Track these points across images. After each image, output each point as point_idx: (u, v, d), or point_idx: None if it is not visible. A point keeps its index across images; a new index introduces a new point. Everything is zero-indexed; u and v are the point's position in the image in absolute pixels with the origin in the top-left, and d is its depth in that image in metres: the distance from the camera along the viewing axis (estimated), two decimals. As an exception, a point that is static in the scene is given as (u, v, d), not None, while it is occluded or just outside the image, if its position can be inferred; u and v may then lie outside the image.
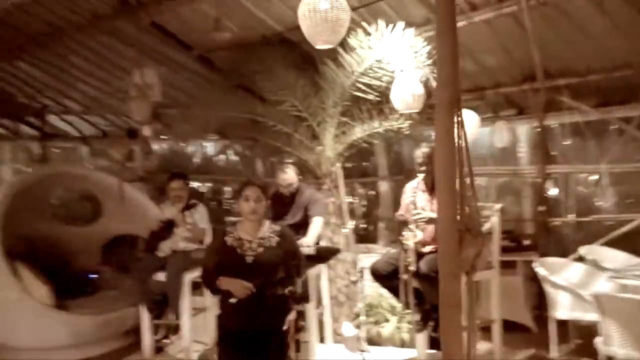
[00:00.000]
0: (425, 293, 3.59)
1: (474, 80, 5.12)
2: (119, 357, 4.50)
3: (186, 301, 4.19)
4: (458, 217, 1.86)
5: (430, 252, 3.61)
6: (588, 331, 3.89)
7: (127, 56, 5.11)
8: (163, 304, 4.43)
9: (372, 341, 4.42)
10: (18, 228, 5.46)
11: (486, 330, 3.84)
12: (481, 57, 4.91)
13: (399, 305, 4.25)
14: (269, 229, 2.91)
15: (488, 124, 5.16)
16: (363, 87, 4.32)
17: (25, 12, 4.72)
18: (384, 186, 6.24)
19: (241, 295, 2.75)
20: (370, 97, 4.36)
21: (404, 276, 3.55)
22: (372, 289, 4.70)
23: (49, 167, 6.54)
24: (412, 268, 3.54)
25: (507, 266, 4.27)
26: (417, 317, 3.77)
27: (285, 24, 4.79)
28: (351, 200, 5.73)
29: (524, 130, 5.46)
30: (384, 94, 4.28)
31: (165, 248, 4.47)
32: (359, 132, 4.59)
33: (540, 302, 4.66)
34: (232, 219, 4.63)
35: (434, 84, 3.90)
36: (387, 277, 3.73)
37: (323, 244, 4.57)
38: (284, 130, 4.70)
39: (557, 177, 5.28)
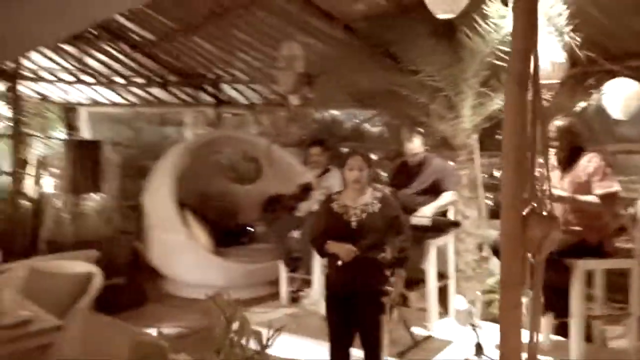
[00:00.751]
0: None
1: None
2: (261, 303, 5.04)
3: (317, 258, 4.53)
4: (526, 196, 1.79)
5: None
6: None
7: (280, 29, 5.51)
8: (298, 260, 4.85)
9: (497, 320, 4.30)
10: (192, 183, 6.35)
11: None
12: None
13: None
14: (371, 196, 3.05)
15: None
16: (503, 56, 4.10)
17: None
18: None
19: (347, 259, 2.95)
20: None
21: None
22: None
23: (217, 131, 7.42)
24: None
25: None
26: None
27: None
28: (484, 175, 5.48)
29: None
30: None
31: (303, 209, 4.86)
32: (497, 103, 4.38)
33: None
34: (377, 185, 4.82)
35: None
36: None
37: (452, 216, 4.53)
38: (420, 100, 4.68)
39: None
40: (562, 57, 3.64)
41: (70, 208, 5.44)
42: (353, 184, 3.05)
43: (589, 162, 3.40)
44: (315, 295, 4.63)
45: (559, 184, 3.46)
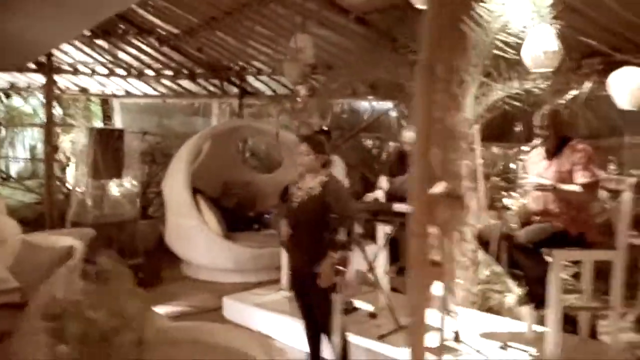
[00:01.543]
0: (520, 265, 3.38)
1: None
2: (265, 287, 5.19)
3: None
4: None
5: (535, 222, 3.38)
6: None
7: (297, 23, 5.64)
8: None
9: (493, 310, 4.30)
10: (215, 172, 6.61)
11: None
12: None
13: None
14: (318, 181, 3.16)
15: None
16: (501, 45, 4.07)
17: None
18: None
19: (283, 237, 3.23)
20: (508, 56, 4.08)
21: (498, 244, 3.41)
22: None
23: (237, 120, 7.66)
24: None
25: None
26: (521, 289, 3.58)
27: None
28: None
29: None
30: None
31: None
32: (498, 93, 4.34)
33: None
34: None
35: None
36: (488, 244, 3.60)
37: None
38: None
39: None
40: (555, 45, 3.58)
41: (93, 192, 5.80)
42: (298, 167, 3.25)
43: (573, 151, 3.35)
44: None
45: (545, 173, 3.43)
